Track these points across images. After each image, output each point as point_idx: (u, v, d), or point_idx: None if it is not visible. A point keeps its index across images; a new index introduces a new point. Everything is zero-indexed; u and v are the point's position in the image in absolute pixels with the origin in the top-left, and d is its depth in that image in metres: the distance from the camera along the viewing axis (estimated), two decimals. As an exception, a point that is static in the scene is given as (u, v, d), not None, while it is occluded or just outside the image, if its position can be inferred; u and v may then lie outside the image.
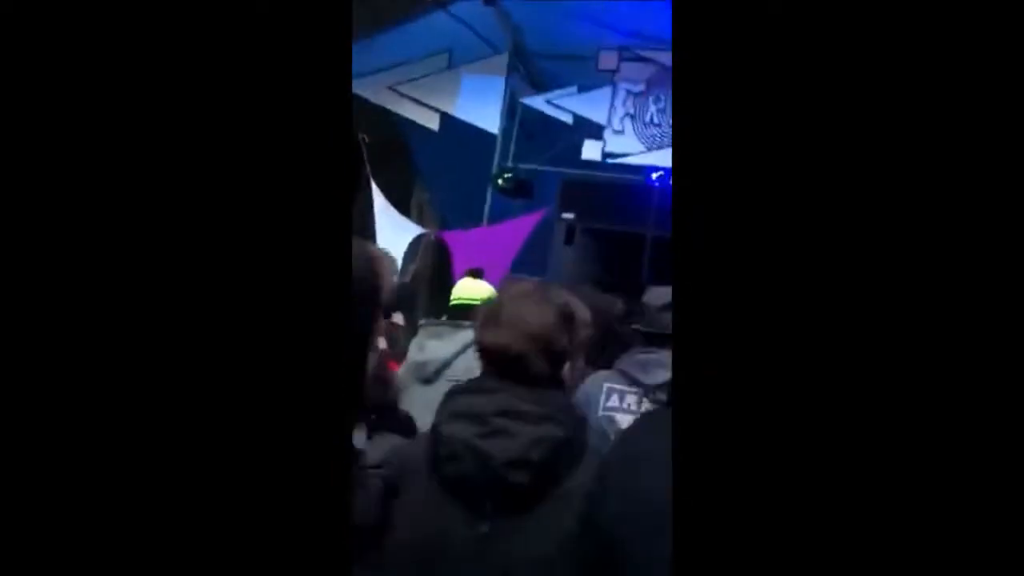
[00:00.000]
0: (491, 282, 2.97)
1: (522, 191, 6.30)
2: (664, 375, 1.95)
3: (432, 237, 6.12)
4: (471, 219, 6.48)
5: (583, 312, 1.41)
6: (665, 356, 2.06)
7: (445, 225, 7.00)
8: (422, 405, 2.33)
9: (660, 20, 5.71)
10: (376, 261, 1.13)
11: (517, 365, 1.34)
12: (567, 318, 1.37)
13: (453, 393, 1.42)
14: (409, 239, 5.95)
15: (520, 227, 5.90)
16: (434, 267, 5.86)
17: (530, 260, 5.70)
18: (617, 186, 6.00)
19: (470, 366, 2.35)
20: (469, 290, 2.76)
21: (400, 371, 2.46)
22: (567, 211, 5.55)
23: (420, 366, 2.49)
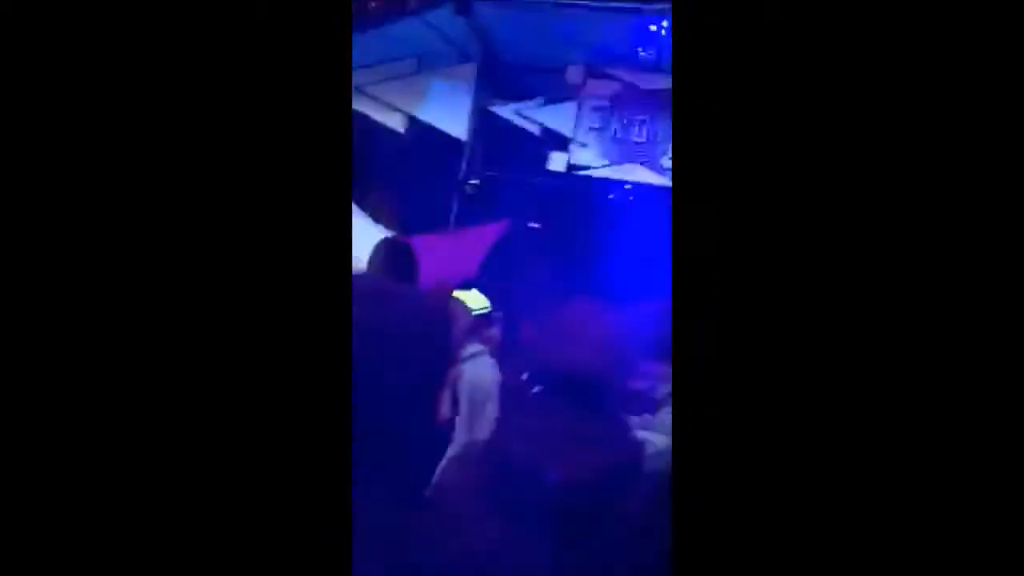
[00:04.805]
0: (457, 288, 3.03)
1: (487, 198, 6.39)
2: None
3: (391, 240, 6.10)
4: (435, 224, 6.50)
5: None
6: None
7: (406, 229, 6.99)
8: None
9: (626, 40, 5.90)
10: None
11: (580, 384, 1.31)
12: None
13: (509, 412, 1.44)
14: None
15: (485, 235, 5.98)
16: (388, 271, 5.81)
17: (493, 269, 5.79)
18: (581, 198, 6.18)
19: (479, 376, 2.41)
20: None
21: None
22: (534, 221, 5.70)
23: None
